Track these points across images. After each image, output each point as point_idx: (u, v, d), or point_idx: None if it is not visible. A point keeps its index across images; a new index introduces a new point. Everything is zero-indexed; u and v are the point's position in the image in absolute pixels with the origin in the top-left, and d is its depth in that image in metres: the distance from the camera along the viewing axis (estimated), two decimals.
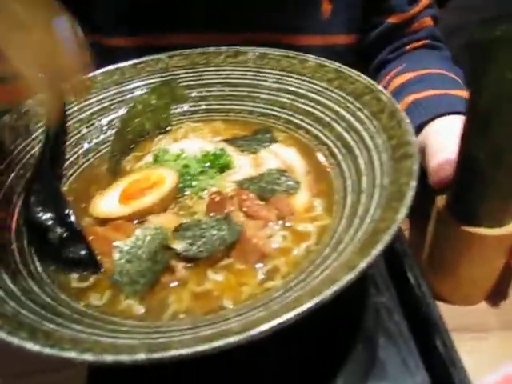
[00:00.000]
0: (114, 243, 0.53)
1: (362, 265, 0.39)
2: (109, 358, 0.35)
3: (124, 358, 0.35)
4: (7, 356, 0.59)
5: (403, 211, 0.44)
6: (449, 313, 0.57)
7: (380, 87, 0.63)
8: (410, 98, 0.81)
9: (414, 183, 0.46)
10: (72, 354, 0.36)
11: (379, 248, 0.40)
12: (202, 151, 0.65)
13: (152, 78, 0.78)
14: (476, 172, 0.53)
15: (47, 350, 0.36)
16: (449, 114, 0.73)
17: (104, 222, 0.58)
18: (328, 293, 0.37)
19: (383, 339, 0.58)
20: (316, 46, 0.98)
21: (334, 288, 0.38)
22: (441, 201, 0.60)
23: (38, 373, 0.57)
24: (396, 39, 1.04)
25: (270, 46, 0.87)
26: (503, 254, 0.58)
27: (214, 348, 0.34)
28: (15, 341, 0.37)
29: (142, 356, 0.35)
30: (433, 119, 0.73)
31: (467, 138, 0.54)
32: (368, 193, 0.54)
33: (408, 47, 1.03)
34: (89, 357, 0.35)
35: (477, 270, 0.59)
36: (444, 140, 0.66)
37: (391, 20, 1.01)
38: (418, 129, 0.73)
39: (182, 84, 0.78)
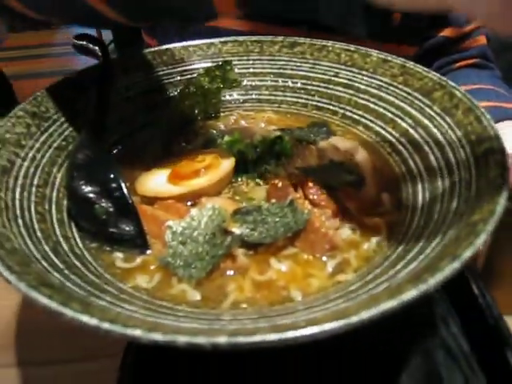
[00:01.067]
0: (166, 223, 0.48)
1: (467, 254, 0.34)
2: (182, 339, 0.30)
3: (202, 340, 0.29)
4: (29, 341, 0.55)
5: (501, 202, 0.39)
6: None
7: (453, 83, 0.59)
8: None
9: (500, 180, 0.42)
10: (137, 332, 0.31)
11: (482, 238, 0.36)
12: (259, 137, 0.60)
13: (203, 62, 0.74)
14: None
15: (107, 326, 0.31)
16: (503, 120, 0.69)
17: (152, 201, 0.53)
18: (432, 282, 0.33)
19: (442, 354, 0.53)
20: None
21: (439, 277, 0.33)
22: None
23: (61, 362, 0.53)
24: (446, 54, 1.00)
25: None
26: None
27: (306, 336, 0.30)
28: (68, 312, 0.32)
29: (222, 339, 0.29)
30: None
31: None
32: (445, 189, 0.49)
33: (457, 65, 1.01)
34: (158, 337, 0.30)
35: None
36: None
37: (445, 34, 0.98)
38: None
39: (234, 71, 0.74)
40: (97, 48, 0.67)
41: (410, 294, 0.33)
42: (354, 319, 0.31)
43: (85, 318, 0.32)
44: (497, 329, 0.52)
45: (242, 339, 0.29)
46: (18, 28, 4.20)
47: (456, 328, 0.55)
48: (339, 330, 0.31)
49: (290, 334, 0.30)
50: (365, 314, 0.31)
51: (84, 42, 0.68)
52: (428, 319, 0.56)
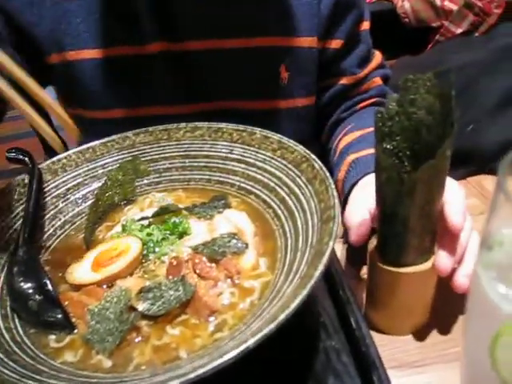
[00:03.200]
0: (87, 307, 0.61)
1: (282, 317, 0.48)
2: None
3: None
4: None
5: (320, 268, 0.53)
6: (394, 350, 0.67)
7: (314, 156, 0.72)
8: (352, 158, 0.91)
9: (331, 243, 0.56)
10: None
11: (297, 302, 0.49)
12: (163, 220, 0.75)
13: (121, 154, 0.88)
14: (383, 220, 0.63)
15: None
16: None
17: (78, 287, 0.67)
18: (251, 341, 0.46)
19: (332, 379, 0.65)
20: (278, 109, 1.09)
21: (255, 338, 0.46)
22: (371, 245, 0.69)
23: None
24: (347, 99, 1.14)
25: (234, 112, 0.99)
26: (429, 287, 0.67)
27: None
28: None
29: None
30: (364, 176, 0.83)
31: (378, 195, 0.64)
32: (302, 251, 0.63)
33: (359, 106, 1.14)
34: None
35: (406, 304, 0.68)
36: (360, 197, 0.76)
37: (343, 82, 1.12)
38: (352, 187, 0.83)
39: (147, 158, 0.88)
40: (26, 158, 0.81)
41: (249, 342, 0.46)
42: (217, 362, 0.44)
43: None
44: (366, 355, 0.65)
45: None
46: None
47: (346, 357, 0.68)
48: (204, 375, 0.44)
49: None
50: (213, 364, 0.45)
51: (15, 154, 0.82)
52: (323, 351, 0.69)
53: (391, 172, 0.58)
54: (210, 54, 1.02)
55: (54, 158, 0.84)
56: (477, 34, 1.86)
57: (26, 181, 0.79)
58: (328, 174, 0.68)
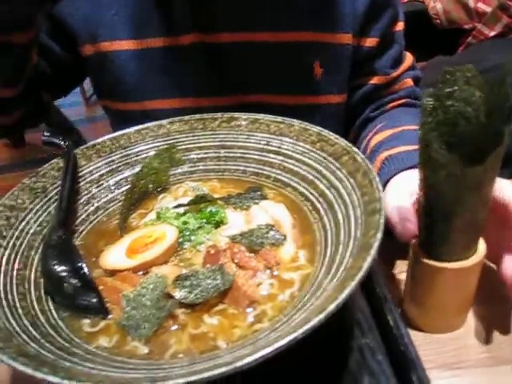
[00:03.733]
0: (122, 292, 0.60)
1: (331, 307, 0.46)
2: None
3: None
4: None
5: (369, 260, 0.51)
6: (430, 351, 0.65)
7: (355, 149, 0.71)
8: (385, 155, 0.89)
9: (379, 235, 0.54)
10: None
11: (346, 293, 0.48)
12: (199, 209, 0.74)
13: (155, 142, 0.87)
14: (433, 217, 0.61)
15: (66, 382, 0.43)
16: (413, 167, 0.80)
17: (112, 273, 0.65)
18: (300, 332, 0.44)
19: (367, 378, 0.64)
20: (309, 105, 1.08)
21: (305, 328, 0.44)
22: (414, 240, 0.67)
23: None
24: (378, 99, 1.13)
25: (265, 106, 0.98)
26: (471, 284, 0.65)
27: (203, 378, 0.42)
28: (39, 375, 0.44)
29: None
30: (397, 173, 0.81)
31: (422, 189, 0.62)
32: (344, 244, 0.61)
33: (389, 106, 1.13)
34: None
35: (446, 301, 0.66)
36: (401, 192, 0.74)
37: (375, 81, 1.11)
38: (386, 184, 0.81)
39: (181, 147, 0.87)
40: (62, 142, 0.80)
41: (297, 333, 0.44)
42: (257, 355, 0.43)
43: (50, 378, 0.44)
44: (405, 354, 0.63)
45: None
46: None
47: (381, 355, 0.66)
48: (242, 368, 0.42)
49: (196, 376, 0.42)
50: (259, 354, 0.43)
51: (51, 138, 0.81)
52: (357, 350, 0.67)
53: (452, 168, 0.55)
54: (242, 47, 1.01)
55: (89, 144, 0.83)
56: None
57: (61, 164, 0.78)
58: (371, 167, 0.66)
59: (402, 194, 0.72)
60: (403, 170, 0.81)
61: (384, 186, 0.82)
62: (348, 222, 0.64)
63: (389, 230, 0.68)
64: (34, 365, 0.46)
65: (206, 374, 0.42)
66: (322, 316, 0.45)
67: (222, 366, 0.42)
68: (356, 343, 0.68)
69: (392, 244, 0.69)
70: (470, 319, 0.71)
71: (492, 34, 1.88)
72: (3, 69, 0.92)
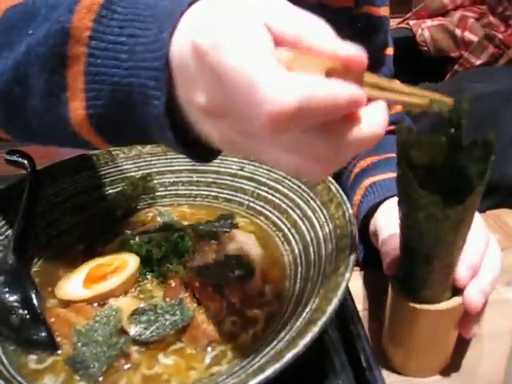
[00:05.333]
0: (74, 326, 0.56)
1: (289, 356, 0.43)
2: None
3: None
4: None
5: (335, 302, 0.48)
6: None
7: (331, 179, 0.68)
8: (368, 182, 0.86)
9: (348, 275, 0.51)
10: None
11: (307, 339, 0.44)
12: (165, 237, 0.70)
13: (126, 165, 0.83)
14: (413, 257, 0.58)
15: None
16: None
17: (68, 304, 0.61)
18: (252, 382, 0.41)
19: None
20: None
21: (257, 380, 0.41)
22: (394, 279, 0.64)
23: None
24: None
25: None
26: (452, 327, 0.61)
27: None
28: None
29: None
30: (384, 200, 0.77)
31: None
32: (313, 281, 0.58)
33: None
34: None
35: (427, 344, 0.62)
36: (391, 221, 0.71)
37: None
38: (371, 211, 0.77)
39: (153, 170, 0.83)
40: (25, 161, 0.76)
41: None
42: None
43: None
44: None
45: None
46: None
47: None
48: None
49: None
50: None
51: (15, 157, 0.77)
52: None
53: (433, 209, 0.52)
54: None
55: (55, 163, 0.80)
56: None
57: (23, 184, 0.74)
58: (346, 199, 0.63)
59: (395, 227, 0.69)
60: (390, 197, 0.78)
61: (368, 212, 0.79)
62: (319, 257, 0.61)
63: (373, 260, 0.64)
64: None
65: None
66: (278, 366, 0.42)
67: None
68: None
69: (372, 276, 0.66)
70: (452, 361, 0.67)
71: (478, 62, 1.88)
72: None
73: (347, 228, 0.59)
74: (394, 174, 0.83)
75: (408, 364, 0.66)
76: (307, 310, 0.52)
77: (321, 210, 0.66)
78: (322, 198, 0.67)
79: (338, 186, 0.66)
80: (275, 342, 0.50)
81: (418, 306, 0.59)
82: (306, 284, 0.59)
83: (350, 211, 0.60)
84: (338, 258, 0.56)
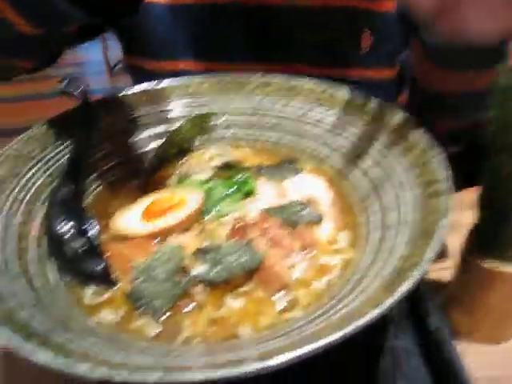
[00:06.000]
0: (132, 262, 0.52)
1: (388, 302, 0.38)
2: (122, 374, 0.33)
3: (137, 377, 0.33)
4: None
5: (434, 249, 0.42)
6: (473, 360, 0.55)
7: (415, 121, 0.62)
8: None
9: (444, 221, 0.45)
10: (83, 368, 0.34)
11: (406, 286, 0.39)
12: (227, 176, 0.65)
13: (182, 101, 0.78)
14: (496, 209, 0.52)
15: (56, 362, 0.35)
16: None
17: (124, 239, 0.57)
18: (351, 328, 0.36)
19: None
20: (355, 79, 0.97)
21: (358, 323, 0.36)
22: (467, 237, 0.58)
23: None
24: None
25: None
26: None
27: (229, 375, 0.33)
28: (25, 349, 0.36)
29: (155, 377, 0.33)
30: None
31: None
32: (395, 229, 0.52)
33: None
34: (100, 373, 0.34)
35: (501, 308, 0.57)
36: None
37: None
38: None
39: (212, 109, 0.78)
40: (79, 91, 0.71)
41: (348, 328, 0.36)
42: (296, 353, 0.34)
43: (39, 355, 0.36)
44: (449, 362, 0.55)
45: (172, 377, 0.33)
46: None
47: (417, 360, 0.58)
48: (274, 368, 0.34)
49: (221, 372, 0.34)
50: (307, 348, 0.35)
51: (68, 86, 0.72)
52: (390, 351, 0.59)
53: None
54: (286, 10, 0.91)
55: (111, 95, 0.75)
56: None
57: (77, 114, 0.70)
58: (432, 143, 0.57)
59: None
60: None
61: None
62: (398, 205, 0.55)
63: None
64: (20, 335, 0.38)
65: (232, 371, 0.33)
66: (377, 311, 0.37)
67: (250, 362, 0.34)
68: (389, 344, 0.59)
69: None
70: None
71: None
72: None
73: (436, 174, 0.53)
74: None
75: (477, 330, 0.61)
76: (395, 257, 0.47)
77: (402, 156, 0.60)
78: (404, 144, 0.61)
79: (424, 130, 0.60)
80: (359, 290, 0.45)
81: (495, 267, 0.54)
82: (385, 232, 0.53)
83: (441, 156, 0.55)
84: (428, 206, 0.50)
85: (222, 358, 0.39)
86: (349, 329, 0.36)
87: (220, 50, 0.96)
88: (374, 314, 0.37)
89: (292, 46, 0.95)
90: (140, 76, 1.03)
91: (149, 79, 0.85)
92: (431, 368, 0.56)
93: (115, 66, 4.54)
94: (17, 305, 0.44)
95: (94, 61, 4.35)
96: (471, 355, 0.56)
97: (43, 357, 0.36)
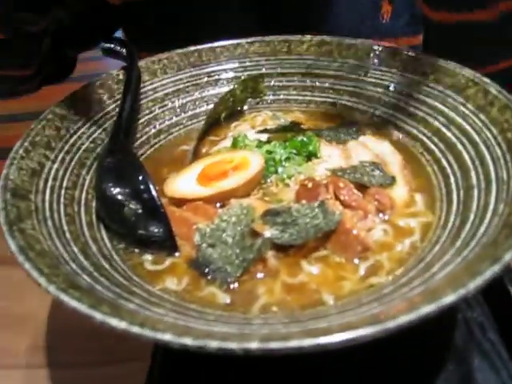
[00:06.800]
0: (195, 225, 0.47)
1: (508, 256, 0.33)
2: (213, 344, 0.29)
3: (233, 345, 0.29)
4: (59, 343, 0.56)
5: None
6: None
7: (487, 79, 0.57)
8: None
9: None
10: (167, 337, 0.30)
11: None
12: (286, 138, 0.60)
13: (230, 63, 0.73)
14: None
15: (136, 329, 0.31)
16: None
17: (180, 203, 0.53)
18: (471, 286, 0.32)
19: (478, 360, 0.51)
20: None
21: (479, 281, 0.32)
22: None
23: (88, 365, 0.53)
24: None
25: None
26: None
27: (341, 341, 0.29)
28: (98, 316, 0.32)
29: (254, 345, 0.29)
30: None
31: None
32: (481, 188, 0.48)
33: None
34: (188, 341, 0.30)
35: None
36: None
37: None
38: None
39: (261, 71, 0.73)
40: (124, 50, 0.67)
41: (449, 298, 0.32)
42: (391, 324, 0.30)
43: (114, 322, 0.31)
44: None
45: (274, 344, 0.29)
46: None
47: (494, 334, 0.53)
48: (375, 336, 0.30)
49: (324, 340, 0.29)
50: (402, 319, 0.30)
51: (112, 45, 0.68)
52: (463, 323, 0.54)
53: None
54: None
55: (155, 57, 0.70)
56: None
57: (121, 77, 0.66)
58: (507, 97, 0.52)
59: None
60: None
61: None
62: (482, 163, 0.50)
63: None
64: (89, 301, 0.34)
65: (345, 336, 0.28)
66: (497, 266, 0.32)
67: (365, 325, 0.29)
68: (461, 316, 0.55)
69: None
70: None
71: None
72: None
73: None
74: None
75: None
76: (489, 216, 0.42)
77: (475, 114, 0.56)
78: (477, 103, 0.56)
79: (498, 88, 0.55)
80: (453, 251, 0.41)
81: None
82: (469, 192, 0.49)
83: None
84: None
85: (311, 326, 0.35)
86: (447, 299, 0.31)
87: (231, 25, 0.89)
88: (494, 268, 0.32)
89: (308, 18, 0.88)
90: None
91: None
92: (508, 341, 0.52)
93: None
94: (77, 269, 0.40)
95: None
96: None
97: (118, 324, 0.31)
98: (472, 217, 0.45)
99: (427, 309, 0.31)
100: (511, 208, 0.41)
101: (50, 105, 0.59)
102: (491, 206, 0.44)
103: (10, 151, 0.51)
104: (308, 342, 0.29)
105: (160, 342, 0.30)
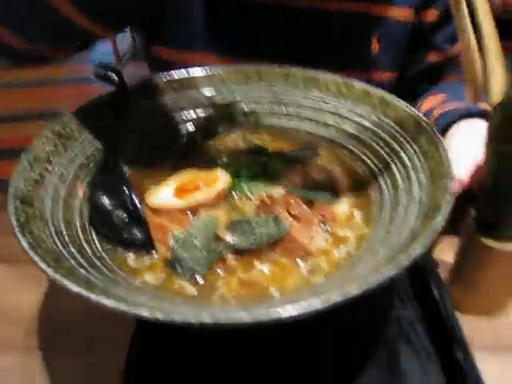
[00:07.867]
0: (171, 231, 0.58)
1: (404, 262, 0.44)
2: (178, 317, 0.40)
3: (191, 319, 0.39)
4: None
5: (440, 220, 0.48)
6: (470, 331, 0.61)
7: (420, 115, 0.67)
8: (437, 113, 0.88)
9: (450, 198, 0.51)
10: (144, 313, 0.40)
11: (418, 250, 0.45)
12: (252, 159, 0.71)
13: (207, 90, 0.83)
14: (498, 187, 0.58)
15: (122, 307, 0.41)
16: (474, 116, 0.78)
17: (158, 212, 0.63)
18: (372, 282, 0.42)
19: (405, 349, 0.62)
20: (364, 80, 1.03)
21: (380, 278, 0.42)
22: (470, 214, 0.64)
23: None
24: (435, 77, 1.08)
25: None
26: None
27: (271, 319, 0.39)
28: (92, 296, 0.42)
29: (207, 319, 0.39)
30: (457, 121, 0.79)
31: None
32: (405, 206, 0.58)
33: (447, 78, 1.07)
34: (160, 315, 0.40)
35: (500, 286, 0.62)
36: (467, 143, 0.71)
37: (432, 58, 1.06)
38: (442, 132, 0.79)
39: (236, 98, 0.83)
40: (114, 75, 0.77)
41: (372, 280, 0.42)
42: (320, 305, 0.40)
43: (106, 301, 0.42)
44: (452, 331, 0.60)
45: (223, 317, 0.39)
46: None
47: (420, 328, 0.64)
48: (306, 315, 0.40)
49: (264, 314, 0.40)
50: (332, 300, 0.40)
51: (103, 71, 0.78)
52: (394, 320, 0.65)
53: None
54: (313, 14, 0.97)
55: (143, 79, 0.80)
56: None
57: (112, 100, 0.75)
58: (439, 136, 0.63)
59: (467, 149, 0.71)
60: (463, 118, 0.79)
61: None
62: (409, 185, 0.61)
63: None
64: (86, 287, 0.44)
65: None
66: (394, 270, 0.43)
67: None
68: (394, 313, 0.66)
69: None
70: None
71: None
72: None
73: (441, 159, 0.58)
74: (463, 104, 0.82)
75: (477, 305, 0.67)
76: (404, 229, 0.53)
77: (410, 144, 0.66)
78: (411, 134, 0.66)
79: (428, 121, 0.65)
80: (373, 257, 0.51)
81: (497, 245, 0.60)
82: (396, 210, 0.59)
83: (444, 146, 0.60)
84: (435, 186, 0.56)
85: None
86: (372, 282, 0.41)
87: (245, 45, 1.00)
88: (391, 271, 0.42)
89: (310, 48, 0.99)
90: (158, 65, 1.07)
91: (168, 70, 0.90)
92: (434, 336, 0.63)
93: (124, 55, 4.56)
94: (75, 264, 0.50)
95: (102, 51, 4.40)
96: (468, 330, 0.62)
97: (109, 303, 0.42)
98: (393, 230, 0.55)
99: (355, 291, 0.41)
100: (422, 223, 0.51)
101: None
102: (408, 221, 0.54)
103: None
104: (248, 317, 0.39)
105: (138, 316, 0.40)
